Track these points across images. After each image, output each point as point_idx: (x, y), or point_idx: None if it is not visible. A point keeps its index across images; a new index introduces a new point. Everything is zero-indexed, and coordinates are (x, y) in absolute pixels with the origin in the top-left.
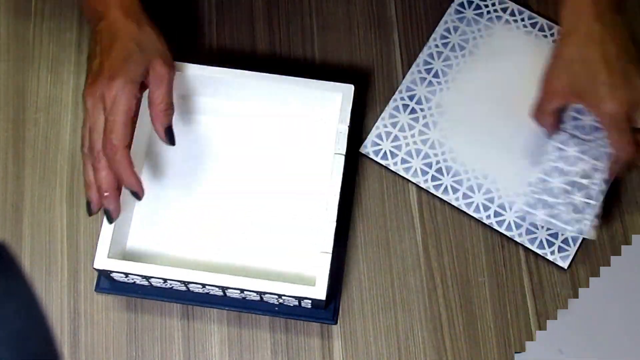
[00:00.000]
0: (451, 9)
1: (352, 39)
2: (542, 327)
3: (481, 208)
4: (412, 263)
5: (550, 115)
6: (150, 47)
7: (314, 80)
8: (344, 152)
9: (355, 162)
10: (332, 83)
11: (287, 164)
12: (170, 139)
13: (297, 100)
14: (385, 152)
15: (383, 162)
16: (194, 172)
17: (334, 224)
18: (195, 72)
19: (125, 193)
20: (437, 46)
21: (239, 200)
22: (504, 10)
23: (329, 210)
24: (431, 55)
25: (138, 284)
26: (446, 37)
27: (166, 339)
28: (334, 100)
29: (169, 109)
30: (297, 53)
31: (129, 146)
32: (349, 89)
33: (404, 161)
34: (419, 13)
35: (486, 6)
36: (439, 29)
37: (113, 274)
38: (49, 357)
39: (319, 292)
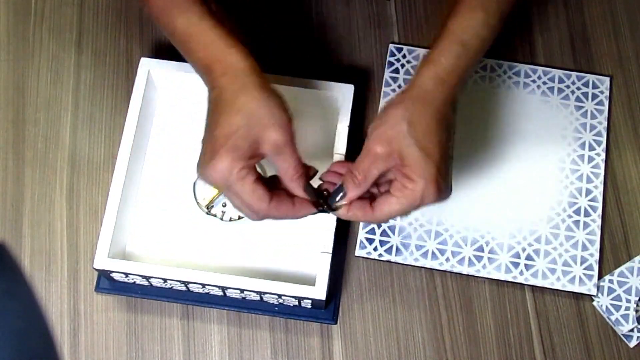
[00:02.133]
0: None
1: (352, 39)
2: (542, 326)
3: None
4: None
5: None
6: (261, 115)
7: (314, 80)
8: (344, 152)
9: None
10: (332, 83)
11: None
12: (312, 197)
13: (297, 100)
14: None
15: None
16: (194, 172)
17: (334, 224)
18: (195, 73)
19: (125, 193)
20: None
21: None
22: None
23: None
24: None
25: (138, 284)
26: None
27: (166, 339)
28: (334, 100)
29: (297, 173)
30: (297, 53)
31: (274, 196)
32: (349, 89)
33: None
34: (419, 13)
35: None
36: None
37: (113, 274)
38: (48, 357)
39: (319, 292)
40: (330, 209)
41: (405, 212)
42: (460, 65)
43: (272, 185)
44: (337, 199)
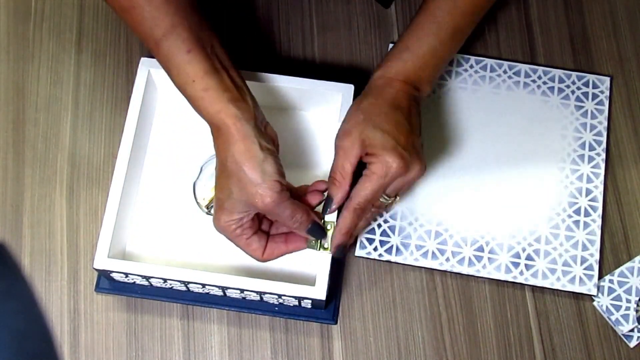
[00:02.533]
0: None
1: (352, 39)
2: (542, 326)
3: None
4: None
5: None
6: (245, 185)
7: (314, 80)
8: None
9: None
10: (332, 83)
11: (287, 164)
12: (316, 236)
13: (297, 100)
14: None
15: None
16: (194, 172)
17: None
18: None
19: (125, 193)
20: None
21: None
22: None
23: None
24: None
25: (138, 284)
26: None
27: (166, 339)
28: (334, 100)
29: (296, 222)
30: (297, 53)
31: (268, 243)
32: (349, 89)
33: None
34: None
35: None
36: None
37: (113, 274)
38: (48, 357)
39: (319, 292)
40: (324, 234)
41: (378, 190)
42: (406, 67)
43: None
44: (327, 205)
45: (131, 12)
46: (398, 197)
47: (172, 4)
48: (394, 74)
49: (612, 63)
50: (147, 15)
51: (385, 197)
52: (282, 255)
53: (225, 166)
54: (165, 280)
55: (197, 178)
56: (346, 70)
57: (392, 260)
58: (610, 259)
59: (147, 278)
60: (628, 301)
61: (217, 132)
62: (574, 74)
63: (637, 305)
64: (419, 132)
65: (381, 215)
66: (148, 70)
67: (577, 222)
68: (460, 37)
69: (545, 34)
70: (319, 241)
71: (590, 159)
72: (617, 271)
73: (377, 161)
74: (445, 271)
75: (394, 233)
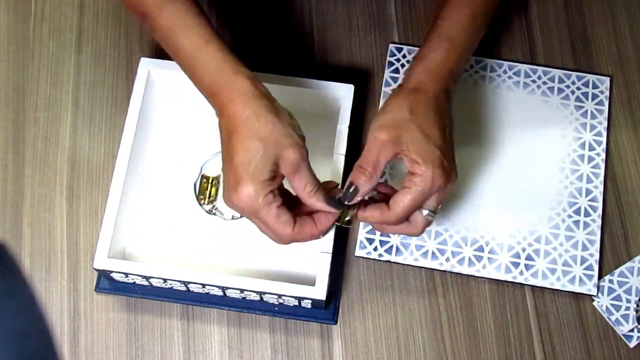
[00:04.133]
0: None
1: (352, 39)
2: (542, 326)
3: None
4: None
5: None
6: (277, 138)
7: (314, 80)
8: (344, 152)
9: (355, 162)
10: (332, 83)
11: None
12: (333, 206)
13: (297, 100)
14: None
15: None
16: (194, 172)
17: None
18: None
19: (125, 193)
20: None
21: None
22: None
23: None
24: None
25: (138, 284)
26: None
27: (166, 339)
28: (334, 100)
29: (313, 189)
30: (297, 53)
31: (297, 219)
32: (349, 89)
33: None
34: (419, 13)
35: None
36: None
37: (113, 274)
38: (48, 357)
39: (319, 292)
40: (344, 206)
41: (420, 201)
42: (449, 59)
43: (292, 209)
44: (350, 195)
45: None
46: (440, 207)
47: None
48: (438, 67)
49: (612, 63)
50: None
51: (432, 214)
52: (312, 234)
53: (248, 128)
54: (165, 280)
55: (197, 178)
56: (346, 70)
57: (392, 260)
58: (610, 259)
59: (147, 278)
60: (628, 301)
61: (235, 91)
62: (574, 74)
63: (637, 305)
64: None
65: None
66: (148, 70)
67: (577, 222)
68: (489, 21)
69: (545, 34)
70: (341, 216)
71: (590, 159)
72: (617, 271)
73: (421, 172)
74: (445, 271)
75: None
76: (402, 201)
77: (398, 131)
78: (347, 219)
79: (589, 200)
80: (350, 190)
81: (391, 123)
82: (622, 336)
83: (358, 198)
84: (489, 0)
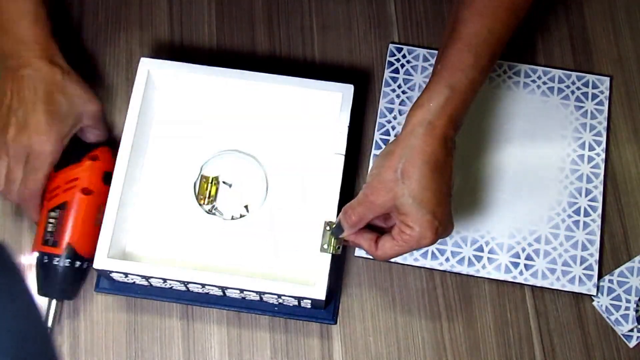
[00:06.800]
0: None
1: (352, 39)
2: (542, 326)
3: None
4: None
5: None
6: (77, 93)
7: (314, 80)
8: (344, 152)
9: (355, 162)
10: (332, 83)
11: (287, 164)
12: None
13: (297, 100)
14: None
15: None
16: (194, 172)
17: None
18: (195, 73)
19: (125, 193)
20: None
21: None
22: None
23: (328, 210)
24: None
25: (138, 284)
26: None
27: (166, 339)
28: (334, 100)
29: (103, 138)
30: (297, 53)
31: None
32: (349, 89)
33: None
34: (419, 13)
35: None
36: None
37: (113, 274)
38: (48, 357)
39: (319, 292)
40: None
41: (403, 254)
42: (448, 108)
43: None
44: (335, 232)
45: None
46: None
47: None
48: (436, 117)
49: (612, 63)
50: None
51: None
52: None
53: (51, 79)
54: (165, 280)
55: (197, 178)
56: (346, 70)
57: (392, 260)
58: (610, 259)
59: (147, 278)
60: (628, 301)
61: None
62: (574, 74)
63: (637, 305)
64: (452, 183)
65: None
66: (148, 70)
67: (577, 222)
68: (495, 61)
69: (545, 34)
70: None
71: (590, 159)
72: (617, 271)
73: (410, 233)
74: (445, 271)
75: None
76: (388, 248)
77: (390, 194)
78: (338, 247)
79: (589, 200)
80: (338, 229)
81: (383, 187)
82: (622, 336)
83: (340, 238)
84: (494, 43)
